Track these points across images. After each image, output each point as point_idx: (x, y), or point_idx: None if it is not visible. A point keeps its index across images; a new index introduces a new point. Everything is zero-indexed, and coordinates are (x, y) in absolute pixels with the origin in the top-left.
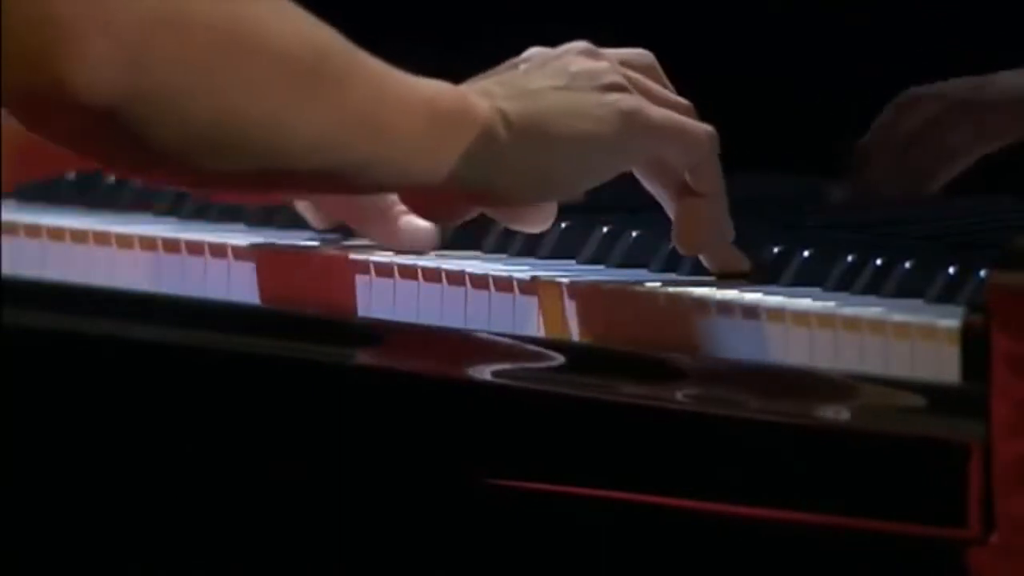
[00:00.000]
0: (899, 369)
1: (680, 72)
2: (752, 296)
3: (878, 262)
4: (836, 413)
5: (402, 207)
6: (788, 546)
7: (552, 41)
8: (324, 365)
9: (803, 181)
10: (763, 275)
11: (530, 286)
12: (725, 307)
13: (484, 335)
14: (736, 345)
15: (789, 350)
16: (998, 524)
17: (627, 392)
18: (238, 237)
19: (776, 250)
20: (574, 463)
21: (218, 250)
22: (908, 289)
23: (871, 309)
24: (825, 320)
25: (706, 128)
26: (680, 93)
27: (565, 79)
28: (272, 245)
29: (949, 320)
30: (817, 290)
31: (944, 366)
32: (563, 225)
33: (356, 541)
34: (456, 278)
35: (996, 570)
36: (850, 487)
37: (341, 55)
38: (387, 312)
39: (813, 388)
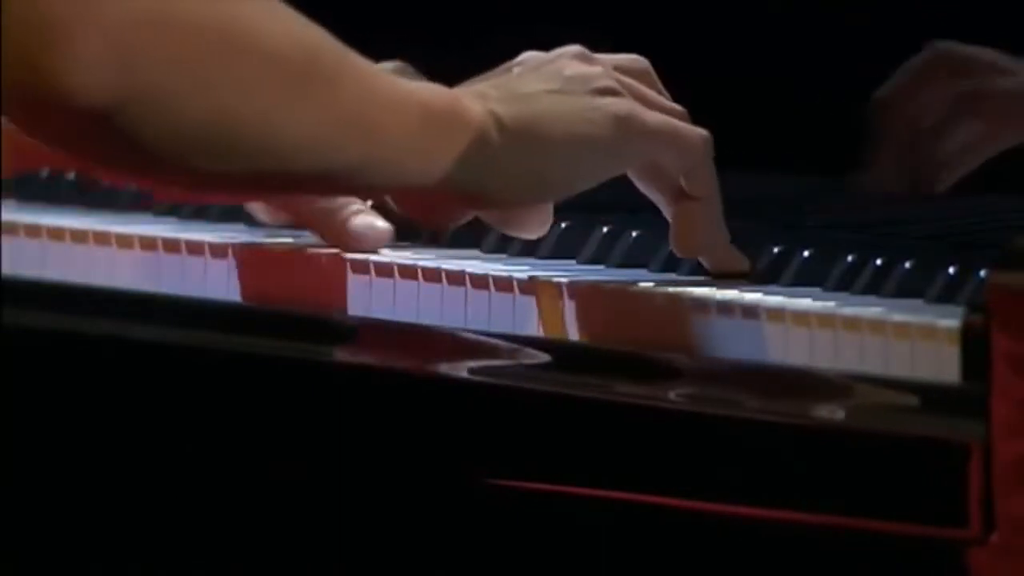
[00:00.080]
0: (899, 369)
1: (680, 72)
2: (752, 296)
3: (878, 262)
4: (836, 413)
5: (355, 207)
6: (788, 546)
7: (547, 43)
8: (324, 365)
9: (803, 181)
10: (763, 275)
11: (530, 286)
12: (725, 307)
13: (484, 335)
14: (736, 345)
15: (789, 350)
16: (998, 524)
17: (627, 392)
18: (238, 237)
19: (776, 250)
20: (574, 463)
21: (218, 250)
22: (908, 289)
23: (871, 309)
24: (825, 320)
25: (700, 132)
26: (679, 93)
27: (559, 83)
28: (272, 245)
29: (949, 320)
30: (817, 290)
31: (944, 366)
32: (563, 225)
33: (356, 541)
34: (456, 278)
35: (996, 570)
36: (850, 487)
37: (332, 55)
38: (387, 312)
39: (813, 388)
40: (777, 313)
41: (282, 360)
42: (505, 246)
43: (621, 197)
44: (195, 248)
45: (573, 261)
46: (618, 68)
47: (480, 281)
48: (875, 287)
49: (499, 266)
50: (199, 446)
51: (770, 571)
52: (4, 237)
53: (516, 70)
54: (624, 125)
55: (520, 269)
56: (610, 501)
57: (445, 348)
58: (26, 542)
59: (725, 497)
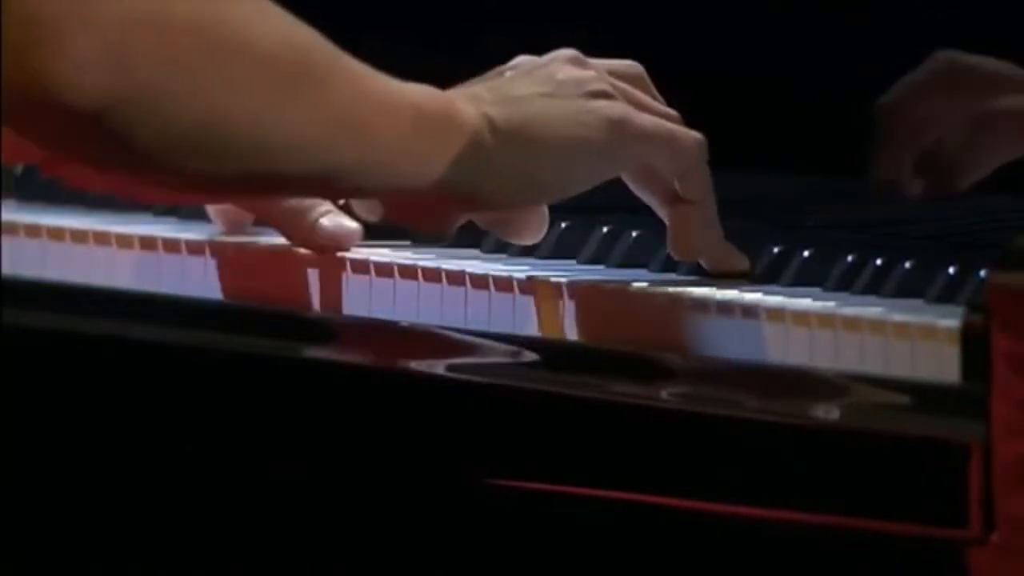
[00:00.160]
0: (899, 369)
1: (679, 72)
2: (752, 296)
3: (878, 262)
4: (836, 413)
5: (323, 208)
6: (788, 546)
7: (547, 42)
8: (324, 365)
9: (803, 181)
10: (763, 275)
11: (530, 286)
12: (725, 307)
13: (484, 335)
14: (736, 345)
15: (789, 350)
16: (998, 524)
17: (627, 392)
18: (239, 237)
19: (776, 250)
20: (574, 463)
21: (219, 250)
22: (908, 289)
23: (871, 309)
24: (825, 320)
25: (694, 135)
26: (679, 93)
27: (552, 86)
28: (272, 246)
29: (949, 320)
30: (817, 290)
31: (944, 366)
32: (563, 225)
33: (356, 541)
34: (456, 278)
35: (996, 570)
36: (850, 487)
37: (324, 56)
38: (387, 312)
39: (813, 388)
40: (777, 313)
41: (282, 360)
42: (505, 246)
43: (621, 197)
44: (195, 248)
45: (573, 261)
46: (612, 73)
47: (480, 281)
48: (875, 287)
49: (499, 266)
50: (199, 446)
51: (770, 571)
52: (4, 237)
53: (509, 73)
54: (617, 128)
55: (520, 269)
56: (610, 501)
57: (445, 348)
58: (26, 542)
59: (726, 497)
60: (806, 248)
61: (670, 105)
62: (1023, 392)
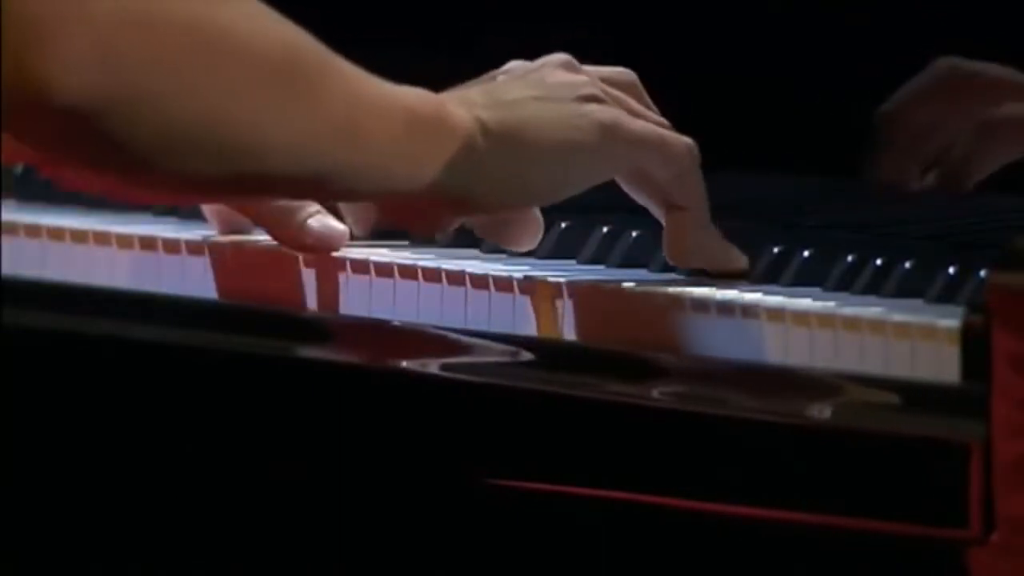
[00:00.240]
0: (899, 369)
1: (679, 72)
2: (752, 296)
3: (878, 262)
4: (836, 413)
5: (311, 208)
6: (788, 546)
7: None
8: (324, 365)
9: (803, 181)
10: (763, 275)
11: (530, 286)
12: (725, 307)
13: (484, 335)
14: (736, 345)
15: (789, 350)
16: (998, 524)
17: (627, 393)
18: (239, 237)
19: (776, 250)
20: (574, 464)
21: (219, 250)
22: (908, 289)
23: (871, 309)
24: (825, 320)
25: (685, 141)
26: (680, 93)
27: (544, 90)
28: (272, 246)
29: (949, 320)
30: (817, 290)
31: (944, 366)
32: (563, 225)
33: (356, 541)
34: (456, 278)
35: (996, 570)
36: (850, 487)
37: (315, 58)
38: (387, 312)
39: (813, 388)
40: (777, 313)
41: (282, 360)
42: None
43: (621, 197)
44: (195, 248)
45: (573, 261)
46: (605, 80)
47: (480, 281)
48: (875, 287)
49: (499, 266)
50: (199, 446)
51: (770, 571)
52: (4, 237)
53: (501, 78)
54: (609, 132)
55: (520, 269)
56: (611, 501)
57: (445, 348)
58: (26, 542)
59: (726, 497)
60: (806, 248)
61: (671, 104)
62: (1023, 392)
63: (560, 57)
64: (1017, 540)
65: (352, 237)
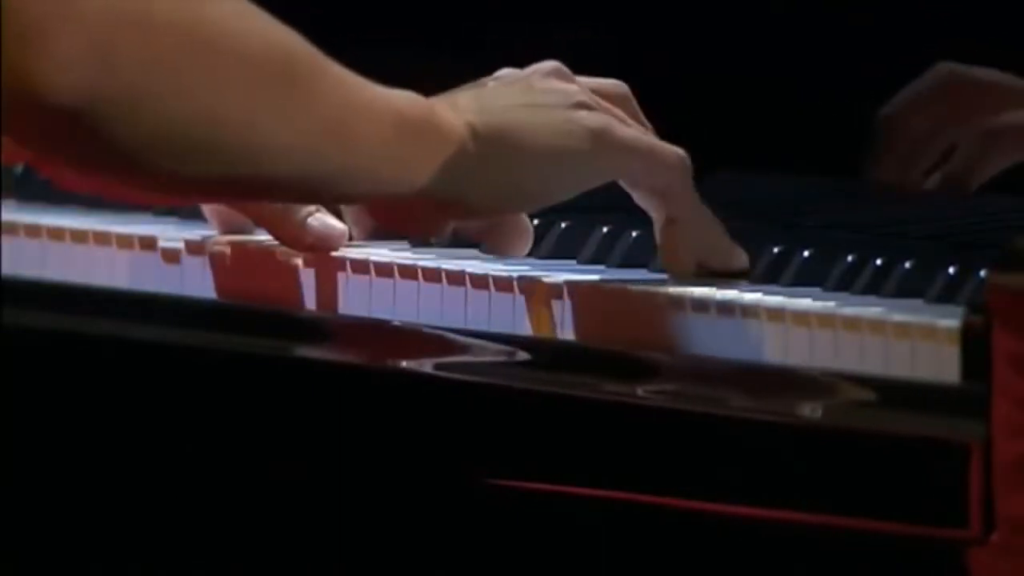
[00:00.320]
0: (899, 369)
1: (680, 72)
2: (752, 296)
3: (878, 262)
4: (836, 413)
5: (311, 208)
6: (788, 546)
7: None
8: (324, 365)
9: (803, 181)
10: (763, 275)
11: (530, 286)
12: (725, 307)
13: (484, 335)
14: (736, 345)
15: (789, 350)
16: (998, 524)
17: (627, 393)
18: (239, 237)
19: (776, 250)
20: (575, 464)
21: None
22: (908, 289)
23: (871, 309)
24: (825, 320)
25: (676, 151)
26: (680, 93)
27: (534, 96)
28: (272, 245)
29: (949, 320)
30: (817, 290)
31: (944, 366)
32: (563, 225)
33: (356, 541)
34: (456, 278)
35: (996, 570)
36: (850, 487)
37: (307, 60)
38: (387, 312)
39: (813, 388)
40: (777, 313)
41: (283, 360)
42: None
43: (621, 197)
44: (195, 248)
45: (573, 261)
46: (597, 91)
47: (480, 281)
48: (875, 287)
49: (499, 266)
50: (199, 446)
51: (771, 571)
52: (4, 237)
53: (492, 84)
54: (598, 138)
55: (520, 269)
56: (612, 501)
57: (445, 348)
58: (26, 542)
59: (725, 497)
60: (806, 248)
61: (671, 104)
62: (1023, 392)
63: (551, 65)
64: (1017, 540)
65: (351, 238)
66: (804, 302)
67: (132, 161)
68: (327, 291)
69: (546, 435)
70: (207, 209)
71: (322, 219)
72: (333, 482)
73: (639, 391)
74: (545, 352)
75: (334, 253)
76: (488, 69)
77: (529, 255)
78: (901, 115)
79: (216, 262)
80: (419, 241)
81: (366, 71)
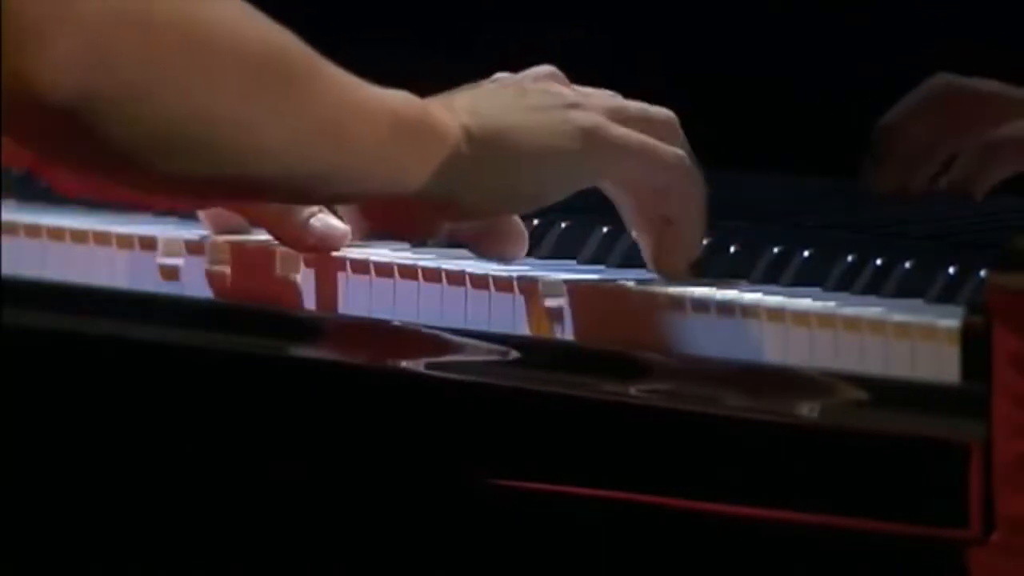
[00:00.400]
0: (899, 369)
1: (680, 72)
2: (752, 296)
3: (878, 262)
4: (836, 413)
5: (313, 208)
6: (788, 546)
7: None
8: (324, 365)
9: (803, 181)
10: (763, 275)
11: (530, 286)
12: (725, 307)
13: (484, 335)
14: (736, 345)
15: (789, 350)
16: (998, 524)
17: (627, 393)
18: (239, 237)
19: (776, 250)
20: (575, 464)
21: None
22: (908, 289)
23: (871, 309)
24: (825, 320)
25: (674, 151)
26: (680, 93)
27: (527, 98)
28: (272, 245)
29: (949, 320)
30: (817, 290)
31: (944, 366)
32: (563, 225)
33: (356, 541)
34: (456, 278)
35: (996, 570)
36: (850, 487)
37: (303, 60)
38: (387, 312)
39: (812, 388)
40: (777, 313)
41: (283, 360)
42: None
43: None
44: (195, 248)
45: (573, 261)
46: (644, 118)
47: (480, 281)
48: (875, 287)
49: (499, 266)
50: (199, 446)
51: (771, 571)
52: (4, 237)
53: (486, 86)
54: (590, 137)
55: (520, 269)
56: (612, 501)
57: (445, 348)
58: (26, 542)
59: (725, 497)
60: (806, 248)
61: (672, 104)
62: (1023, 392)
63: (546, 69)
64: (1017, 540)
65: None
66: (804, 302)
67: (128, 160)
68: (327, 291)
69: (546, 435)
70: (202, 213)
71: (324, 220)
72: (333, 482)
73: (639, 391)
74: (545, 352)
75: (334, 253)
76: (483, 69)
77: (529, 255)
78: (899, 127)
79: (215, 262)
80: (416, 241)
81: (361, 71)
